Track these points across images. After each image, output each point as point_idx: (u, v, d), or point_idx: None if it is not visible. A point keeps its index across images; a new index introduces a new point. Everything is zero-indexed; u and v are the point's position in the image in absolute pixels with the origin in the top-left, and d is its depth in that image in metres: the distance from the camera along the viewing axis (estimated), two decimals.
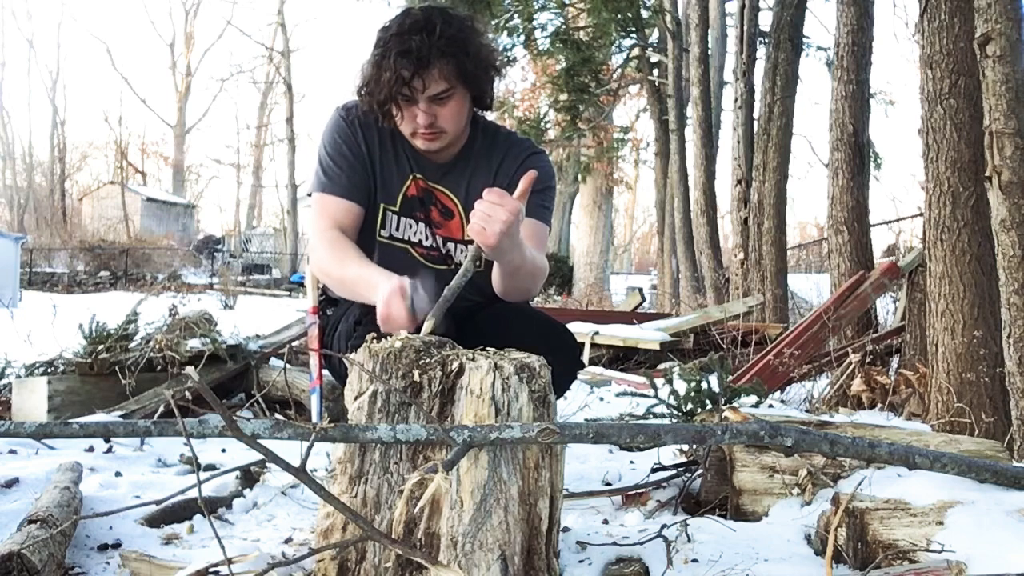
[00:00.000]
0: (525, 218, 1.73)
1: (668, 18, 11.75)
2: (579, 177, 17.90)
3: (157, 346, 3.42)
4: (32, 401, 3.22)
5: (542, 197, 1.88)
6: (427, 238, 1.92)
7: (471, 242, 1.88)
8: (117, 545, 1.70)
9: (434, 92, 1.74)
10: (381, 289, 1.58)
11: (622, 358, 6.25)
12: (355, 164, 1.86)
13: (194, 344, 3.52)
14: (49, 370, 3.46)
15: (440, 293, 1.58)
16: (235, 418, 1.24)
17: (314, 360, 2.13)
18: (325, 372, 2.20)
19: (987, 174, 2.63)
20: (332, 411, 2.97)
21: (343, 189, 1.84)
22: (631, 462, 2.62)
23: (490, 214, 1.51)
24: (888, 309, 5.95)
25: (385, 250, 1.90)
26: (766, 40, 8.10)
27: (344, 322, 1.90)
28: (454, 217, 1.91)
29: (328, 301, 2.07)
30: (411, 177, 1.89)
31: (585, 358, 6.09)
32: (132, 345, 3.53)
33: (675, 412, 2.72)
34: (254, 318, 7.90)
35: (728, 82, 11.76)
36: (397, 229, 1.91)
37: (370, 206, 1.89)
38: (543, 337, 1.73)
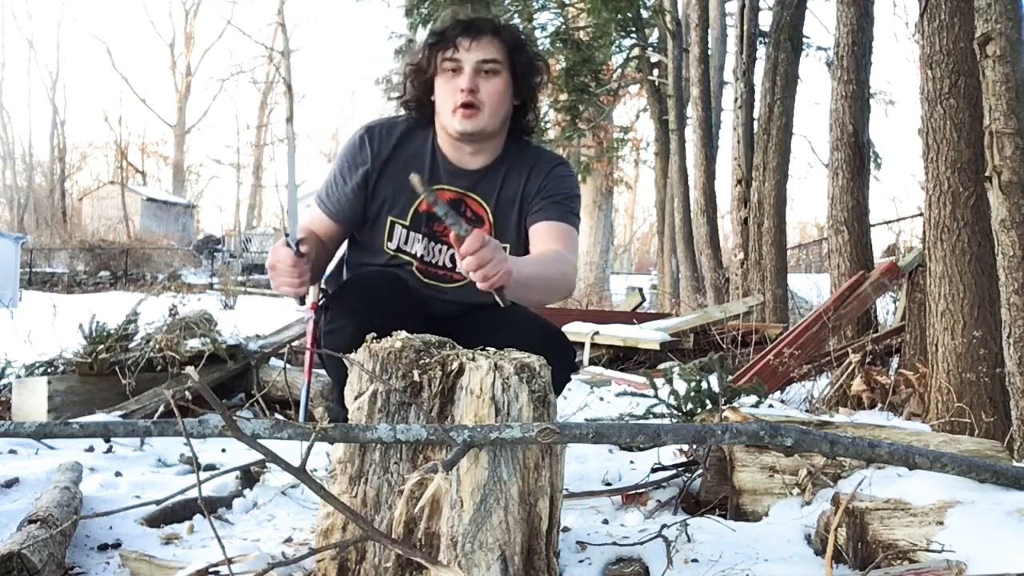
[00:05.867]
0: (552, 221, 1.84)
1: (668, 18, 11.74)
2: (579, 177, 17.87)
3: (157, 346, 3.42)
4: (32, 401, 3.22)
5: (569, 205, 1.92)
6: (428, 253, 1.93)
7: None
8: (117, 545, 1.70)
9: (481, 57, 1.80)
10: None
11: (622, 358, 6.25)
12: (344, 190, 1.93)
13: (194, 344, 3.52)
14: (49, 370, 3.46)
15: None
16: (235, 418, 1.24)
17: (307, 356, 2.16)
18: (321, 370, 2.21)
19: (987, 174, 2.63)
20: (332, 411, 2.96)
21: (328, 210, 1.95)
22: (631, 462, 2.62)
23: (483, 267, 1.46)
24: (888, 309, 5.95)
25: (393, 262, 1.94)
26: (766, 40, 8.09)
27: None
28: (483, 224, 1.92)
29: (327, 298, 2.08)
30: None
31: (585, 358, 6.09)
32: (132, 345, 3.53)
33: (675, 412, 2.73)
34: (254, 318, 7.88)
35: (728, 82, 11.75)
36: (406, 243, 1.93)
37: (373, 221, 1.94)
38: (538, 342, 1.72)
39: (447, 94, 1.83)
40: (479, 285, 1.47)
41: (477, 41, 1.80)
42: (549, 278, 1.75)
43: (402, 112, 1.99)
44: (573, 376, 1.96)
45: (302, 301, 1.82)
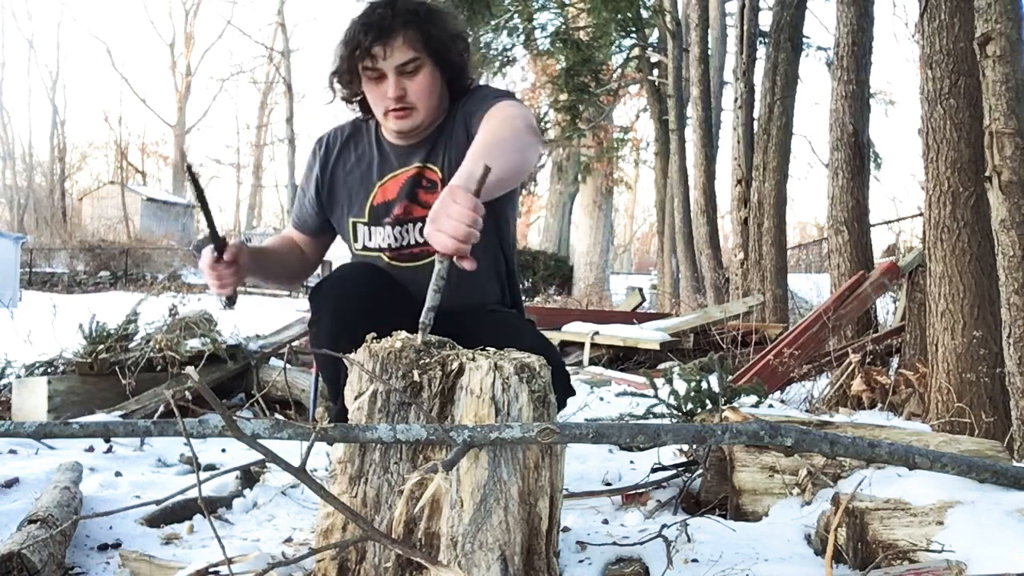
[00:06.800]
0: (497, 103, 1.75)
1: (668, 18, 11.74)
2: (579, 177, 17.89)
3: (157, 346, 3.42)
4: (32, 401, 3.22)
5: (495, 97, 1.81)
6: (397, 239, 1.91)
7: None
8: (117, 545, 1.70)
9: (400, 61, 1.78)
10: None
11: (622, 358, 6.25)
12: (304, 202, 2.04)
13: (194, 344, 3.52)
14: (49, 370, 3.46)
15: None
16: (235, 418, 1.24)
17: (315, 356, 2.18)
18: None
19: (987, 174, 2.63)
20: (332, 411, 2.97)
21: (295, 221, 2.09)
22: (631, 462, 2.62)
23: (443, 229, 1.37)
24: (888, 309, 5.95)
25: (363, 260, 1.95)
26: (766, 40, 8.09)
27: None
28: (437, 189, 1.87)
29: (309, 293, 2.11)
30: (377, 187, 1.92)
31: (585, 358, 6.09)
32: (132, 345, 3.53)
33: (675, 412, 2.73)
34: (254, 318, 7.87)
35: (728, 82, 11.76)
36: (370, 239, 1.94)
37: (339, 226, 2.01)
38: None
39: (377, 99, 1.83)
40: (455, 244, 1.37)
41: (390, 46, 1.76)
42: (516, 164, 1.60)
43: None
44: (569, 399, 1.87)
45: (230, 302, 1.83)
